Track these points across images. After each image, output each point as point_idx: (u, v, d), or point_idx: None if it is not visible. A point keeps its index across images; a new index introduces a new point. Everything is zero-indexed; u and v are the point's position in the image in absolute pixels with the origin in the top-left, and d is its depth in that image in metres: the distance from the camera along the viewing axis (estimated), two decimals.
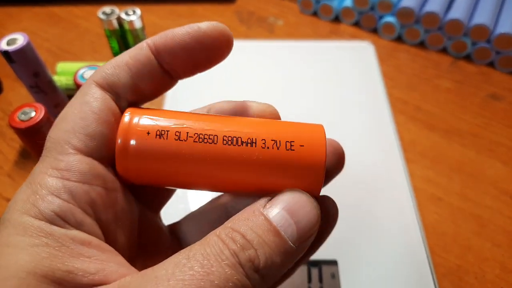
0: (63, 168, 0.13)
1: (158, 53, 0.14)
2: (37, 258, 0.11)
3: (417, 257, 0.26)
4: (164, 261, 0.12)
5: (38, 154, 0.28)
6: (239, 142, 0.13)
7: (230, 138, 0.13)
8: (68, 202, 0.12)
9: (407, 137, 0.34)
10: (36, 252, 0.11)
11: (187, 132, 0.13)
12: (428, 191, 0.30)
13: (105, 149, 0.14)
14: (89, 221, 0.13)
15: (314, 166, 0.13)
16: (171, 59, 0.14)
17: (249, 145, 0.13)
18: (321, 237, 0.17)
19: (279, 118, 0.16)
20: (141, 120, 0.14)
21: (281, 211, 0.13)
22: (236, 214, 0.13)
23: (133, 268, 0.12)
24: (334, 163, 0.17)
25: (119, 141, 0.13)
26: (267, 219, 0.12)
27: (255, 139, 0.13)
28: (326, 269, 0.25)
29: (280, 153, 0.13)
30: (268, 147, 0.13)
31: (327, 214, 0.16)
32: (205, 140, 0.13)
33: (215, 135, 0.13)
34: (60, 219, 0.12)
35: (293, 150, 0.13)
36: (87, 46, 0.43)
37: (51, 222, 0.12)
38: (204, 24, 0.14)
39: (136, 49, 0.14)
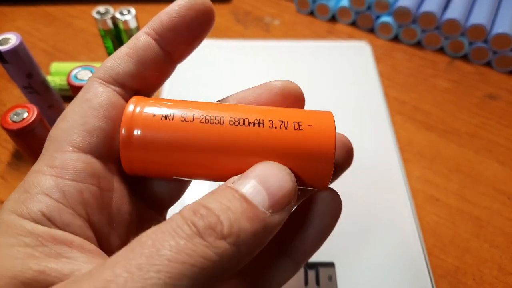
0: (57, 166, 0.12)
1: (158, 35, 0.14)
2: (10, 259, 0.11)
3: (415, 258, 0.26)
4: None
5: (31, 155, 0.28)
6: (246, 123, 0.13)
7: (237, 119, 0.13)
8: (58, 201, 0.12)
9: (404, 137, 0.33)
10: (11, 253, 0.11)
11: (193, 114, 0.13)
12: (425, 191, 0.30)
13: (105, 145, 0.13)
14: (77, 221, 0.12)
15: (323, 145, 0.13)
16: (172, 36, 0.14)
17: (256, 125, 0.13)
18: (327, 230, 0.16)
19: (302, 94, 0.16)
20: (146, 107, 0.13)
21: (251, 180, 0.12)
22: None
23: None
24: (344, 158, 0.16)
25: (123, 131, 0.13)
26: (233, 189, 0.12)
27: (262, 120, 0.13)
28: (323, 271, 0.25)
29: (288, 132, 0.13)
30: (276, 127, 0.13)
31: (332, 206, 0.16)
32: (212, 121, 0.13)
33: (221, 116, 0.13)
34: (46, 219, 0.12)
35: (301, 129, 0.13)
36: (82, 46, 0.42)
37: (36, 221, 0.12)
38: None
39: (133, 39, 0.14)
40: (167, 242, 0.10)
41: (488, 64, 0.40)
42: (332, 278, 0.25)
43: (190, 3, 0.14)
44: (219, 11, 0.47)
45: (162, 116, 0.13)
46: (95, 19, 0.34)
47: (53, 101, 0.33)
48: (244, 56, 0.40)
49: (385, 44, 0.42)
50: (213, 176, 0.14)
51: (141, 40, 0.14)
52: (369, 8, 0.43)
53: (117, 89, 0.14)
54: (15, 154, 0.32)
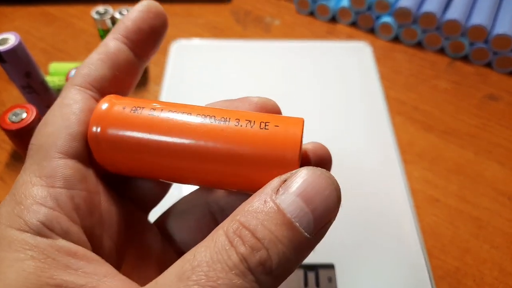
0: (47, 175, 0.12)
1: (126, 38, 0.15)
2: (23, 275, 0.11)
3: (415, 259, 0.25)
4: (166, 271, 0.11)
5: None
6: (213, 119, 0.13)
7: (204, 115, 0.13)
8: (54, 209, 0.12)
9: (404, 138, 0.33)
10: (22, 268, 0.11)
11: (162, 107, 0.13)
12: (425, 192, 0.30)
13: (87, 149, 0.14)
14: (75, 228, 0.12)
15: (289, 139, 0.13)
16: (138, 37, 0.16)
17: (222, 122, 0.13)
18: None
19: (280, 112, 0.16)
20: (116, 105, 0.14)
21: (296, 198, 0.11)
22: (246, 201, 0.12)
23: (121, 276, 0.12)
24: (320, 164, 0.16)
25: (93, 129, 0.13)
26: (280, 211, 0.11)
27: (229, 118, 0.13)
28: (323, 273, 0.25)
29: (253, 130, 0.13)
30: (241, 125, 0.13)
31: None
32: (180, 112, 0.13)
33: (189, 112, 0.13)
34: (46, 229, 0.12)
35: (267, 129, 0.13)
36: (81, 45, 0.42)
37: (37, 232, 0.11)
38: (143, 2, 0.16)
39: (103, 46, 0.15)
40: (221, 281, 0.10)
41: (489, 65, 0.40)
42: (331, 280, 0.24)
43: (147, 8, 0.16)
44: (219, 11, 0.47)
45: (131, 110, 0.13)
46: (94, 19, 0.34)
47: (51, 101, 0.32)
48: (244, 57, 0.39)
49: (385, 45, 0.42)
50: (182, 176, 0.14)
51: (111, 45, 0.15)
52: (369, 8, 0.43)
53: (94, 94, 0.14)
54: (13, 155, 0.32)
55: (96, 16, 0.33)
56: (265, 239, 0.11)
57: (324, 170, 0.12)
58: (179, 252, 0.18)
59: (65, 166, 0.13)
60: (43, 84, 0.31)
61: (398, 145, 0.32)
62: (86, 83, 0.14)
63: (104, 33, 0.35)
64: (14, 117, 0.25)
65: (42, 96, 0.32)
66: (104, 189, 0.14)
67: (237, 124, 0.13)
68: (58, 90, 0.35)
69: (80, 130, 0.13)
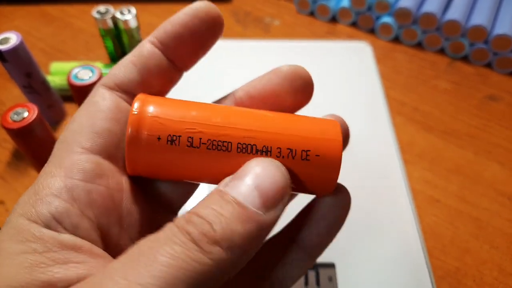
0: (66, 167, 0.13)
1: (161, 43, 0.15)
2: (17, 269, 0.11)
3: (415, 259, 0.26)
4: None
5: (31, 155, 0.27)
6: (254, 151, 0.13)
7: (245, 146, 0.13)
8: (67, 202, 0.12)
9: (404, 139, 0.33)
10: (18, 262, 0.11)
11: (200, 138, 0.13)
12: (426, 193, 0.30)
13: (114, 146, 0.14)
14: (85, 224, 0.12)
15: (328, 175, 0.13)
16: (175, 44, 0.15)
17: (263, 153, 0.13)
18: (339, 221, 0.16)
19: (311, 80, 0.16)
20: (151, 113, 0.13)
21: (242, 181, 0.12)
22: None
23: None
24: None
25: (129, 130, 0.13)
26: (225, 193, 0.12)
27: (271, 147, 0.13)
28: (323, 272, 0.25)
29: (295, 162, 0.13)
30: (283, 156, 0.13)
31: (341, 201, 0.16)
32: (219, 147, 0.13)
33: (229, 142, 0.13)
34: (55, 221, 0.12)
35: (309, 160, 0.13)
36: (81, 45, 0.42)
37: (45, 224, 0.12)
38: (196, 3, 0.15)
39: (138, 48, 0.15)
40: (163, 249, 0.10)
41: (489, 65, 0.40)
42: (332, 279, 0.24)
43: (194, 12, 0.14)
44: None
45: (167, 140, 0.13)
46: (95, 18, 0.34)
47: (52, 101, 0.33)
48: (243, 57, 0.40)
49: (385, 45, 0.42)
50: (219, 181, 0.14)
51: (145, 49, 0.15)
52: (369, 8, 0.43)
53: (122, 95, 0.14)
54: (15, 154, 0.32)
55: (97, 16, 0.33)
56: (209, 215, 0.11)
57: (270, 158, 0.13)
58: None
59: (85, 160, 0.13)
60: (44, 84, 0.31)
61: (399, 145, 0.32)
62: (113, 84, 0.14)
63: (105, 32, 0.35)
64: (15, 116, 0.25)
65: (43, 96, 0.32)
66: (130, 188, 0.14)
67: (278, 155, 0.13)
68: (59, 90, 0.35)
69: (106, 127, 0.14)
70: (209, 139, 0.13)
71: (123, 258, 0.11)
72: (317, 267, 0.25)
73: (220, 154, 0.13)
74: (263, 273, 0.16)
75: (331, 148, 0.13)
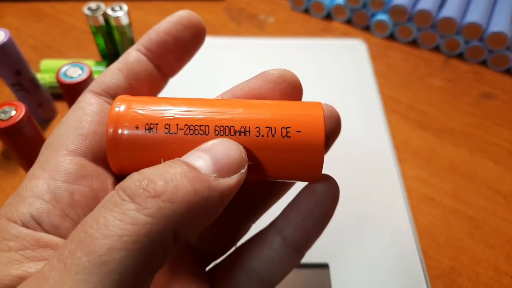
0: (50, 169, 0.13)
1: (147, 50, 0.15)
2: None
3: (410, 259, 0.25)
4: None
5: (19, 154, 0.27)
6: (232, 132, 0.13)
7: (222, 128, 0.13)
8: (49, 203, 0.12)
9: (399, 137, 0.33)
10: None
11: (177, 124, 0.13)
12: (420, 191, 0.30)
13: (99, 148, 0.14)
14: (66, 224, 0.12)
15: (312, 152, 0.13)
16: (160, 51, 0.15)
17: (242, 134, 0.13)
18: (326, 217, 0.16)
19: (299, 83, 0.15)
20: (130, 109, 0.13)
21: (196, 152, 0.12)
22: None
23: None
24: (332, 129, 0.16)
25: (110, 130, 0.13)
26: (176, 160, 0.12)
27: (249, 127, 0.13)
28: (317, 273, 0.24)
29: (275, 140, 0.13)
30: (262, 135, 0.13)
31: (329, 192, 0.15)
32: (196, 132, 0.13)
33: (206, 125, 0.13)
34: (34, 222, 0.12)
35: (289, 137, 0.13)
36: (73, 42, 0.41)
37: (24, 224, 0.12)
38: (179, 12, 0.16)
39: (124, 55, 0.15)
40: (94, 221, 0.10)
41: (484, 63, 0.40)
42: (326, 280, 0.24)
43: (177, 19, 0.15)
44: (213, 8, 0.46)
45: (145, 128, 0.13)
46: (86, 15, 0.33)
47: (42, 99, 0.32)
48: (238, 54, 0.39)
49: (380, 42, 0.42)
50: None
51: (131, 56, 0.15)
52: (364, 6, 0.42)
53: (109, 100, 0.15)
54: (3, 153, 0.31)
55: (88, 13, 0.33)
56: (152, 172, 0.11)
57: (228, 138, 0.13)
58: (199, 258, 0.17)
59: (69, 162, 0.13)
60: (34, 82, 0.31)
61: (393, 143, 0.32)
62: (100, 89, 0.15)
63: (96, 29, 0.34)
64: (2, 114, 0.25)
65: (33, 94, 0.31)
66: (113, 188, 0.14)
67: (257, 134, 0.13)
68: (50, 88, 0.34)
69: (92, 129, 0.14)
70: (186, 124, 0.13)
71: (64, 241, 0.11)
72: (310, 267, 0.25)
73: (198, 138, 0.13)
74: (255, 270, 0.16)
75: (312, 123, 0.13)
